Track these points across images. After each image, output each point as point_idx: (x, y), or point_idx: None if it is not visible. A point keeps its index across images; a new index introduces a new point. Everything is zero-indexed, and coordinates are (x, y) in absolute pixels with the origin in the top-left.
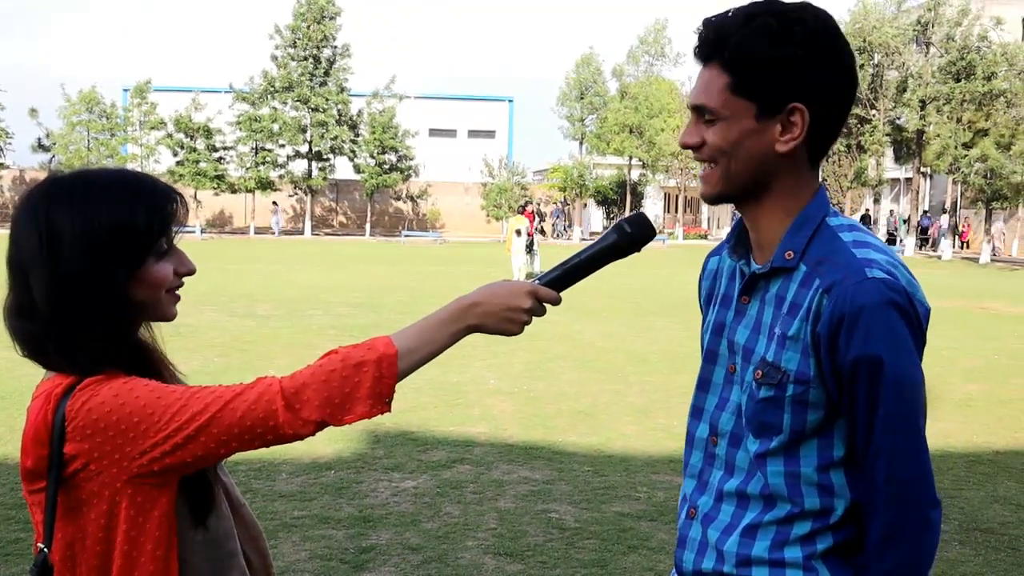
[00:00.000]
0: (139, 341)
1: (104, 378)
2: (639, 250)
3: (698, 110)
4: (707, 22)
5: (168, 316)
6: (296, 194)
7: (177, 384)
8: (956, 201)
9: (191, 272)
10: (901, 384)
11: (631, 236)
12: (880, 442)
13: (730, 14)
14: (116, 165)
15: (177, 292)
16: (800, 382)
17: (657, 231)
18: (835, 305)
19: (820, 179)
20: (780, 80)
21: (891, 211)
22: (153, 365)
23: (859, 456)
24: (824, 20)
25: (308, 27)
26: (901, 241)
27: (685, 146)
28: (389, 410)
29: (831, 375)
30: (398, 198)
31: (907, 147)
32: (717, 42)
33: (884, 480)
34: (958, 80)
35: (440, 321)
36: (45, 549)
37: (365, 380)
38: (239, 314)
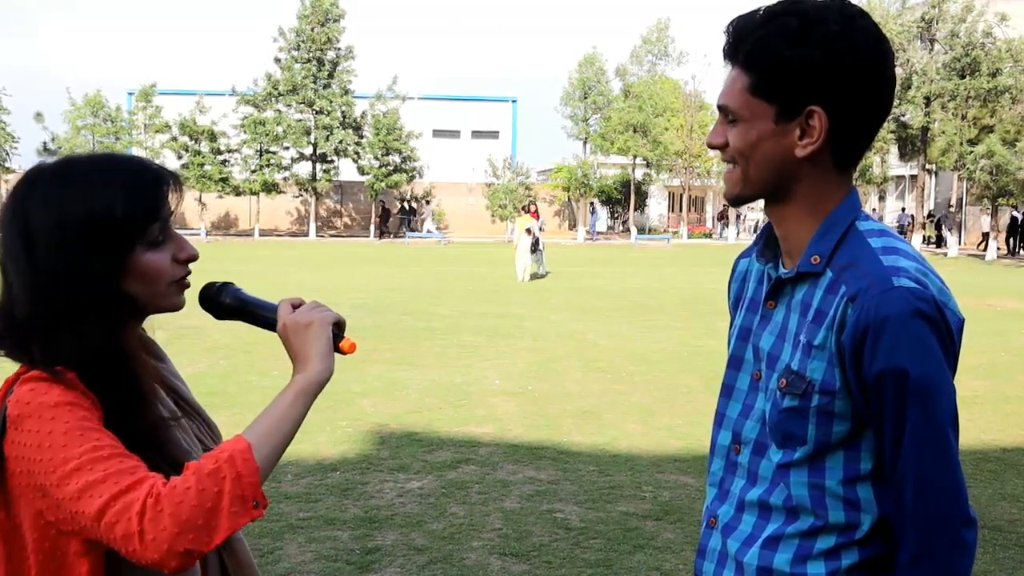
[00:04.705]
0: (119, 341)
1: (48, 376)
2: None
3: (722, 110)
4: (733, 21)
5: (173, 307)
6: (301, 196)
7: (170, 391)
8: (962, 198)
9: (192, 258)
10: (929, 397)
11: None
12: (908, 457)
13: (758, 14)
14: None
15: (184, 281)
16: (825, 392)
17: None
18: (860, 315)
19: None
20: (797, 82)
21: (902, 208)
22: (124, 368)
23: (887, 471)
24: (851, 21)
25: (312, 29)
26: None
27: (711, 146)
28: (261, 515)
29: (857, 387)
30: (402, 199)
31: (912, 144)
32: (738, 42)
33: (913, 497)
34: (963, 76)
35: (278, 397)
36: None
37: (227, 487)
38: None
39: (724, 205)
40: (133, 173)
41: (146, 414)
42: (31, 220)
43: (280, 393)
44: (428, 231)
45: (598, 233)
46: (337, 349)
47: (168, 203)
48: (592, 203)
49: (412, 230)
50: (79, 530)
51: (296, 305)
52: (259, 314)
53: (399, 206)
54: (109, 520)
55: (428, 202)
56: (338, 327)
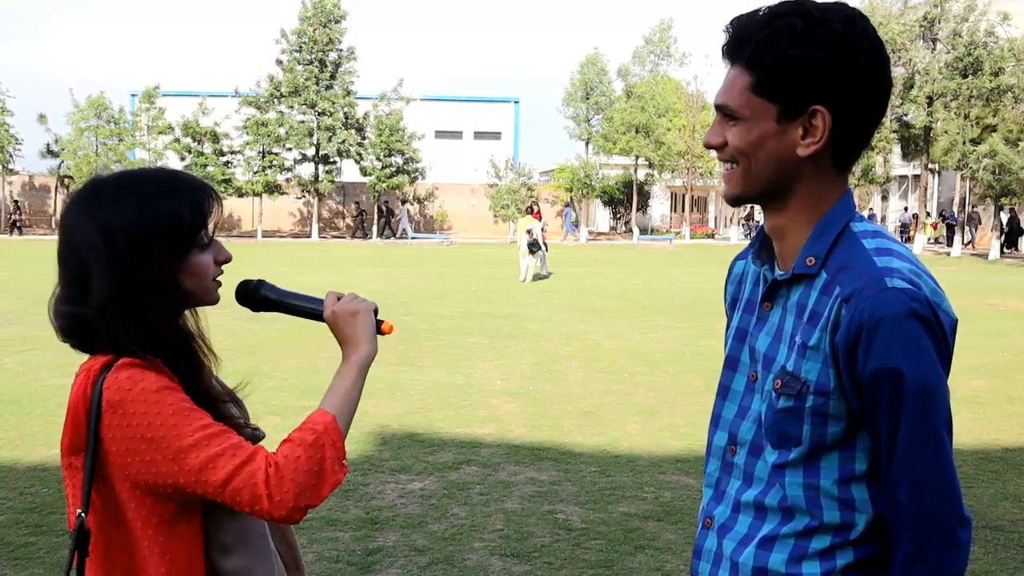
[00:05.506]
0: (184, 328)
1: (141, 363)
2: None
3: (721, 109)
4: (733, 21)
5: (213, 301)
6: (303, 197)
7: (213, 370)
8: (965, 197)
9: (228, 260)
10: (923, 397)
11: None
12: (902, 458)
13: (760, 13)
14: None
15: (219, 279)
16: (820, 393)
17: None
18: (853, 315)
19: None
20: (801, 82)
21: (905, 208)
22: (193, 351)
23: (882, 472)
24: (852, 22)
25: (314, 31)
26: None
27: (708, 146)
28: (348, 470)
29: (851, 387)
30: (405, 200)
31: (915, 144)
32: (740, 41)
33: (907, 498)
34: (965, 76)
35: (340, 375)
36: (83, 514)
37: (328, 452)
38: (245, 317)
39: (748, 207)
40: (189, 186)
41: (213, 390)
42: (108, 223)
43: (340, 371)
44: (404, 230)
45: (598, 233)
46: (379, 331)
47: (214, 212)
48: (568, 202)
49: (391, 231)
50: (199, 495)
51: (338, 297)
52: (300, 305)
53: (377, 208)
54: (236, 486)
55: (404, 203)
56: (375, 313)
